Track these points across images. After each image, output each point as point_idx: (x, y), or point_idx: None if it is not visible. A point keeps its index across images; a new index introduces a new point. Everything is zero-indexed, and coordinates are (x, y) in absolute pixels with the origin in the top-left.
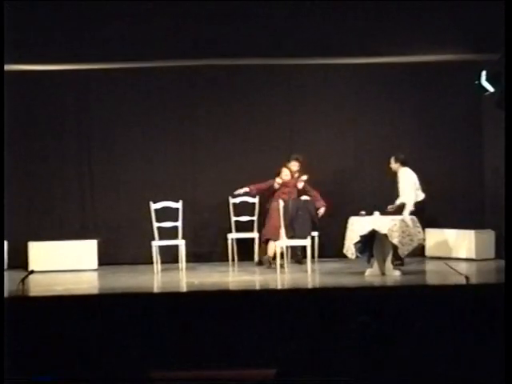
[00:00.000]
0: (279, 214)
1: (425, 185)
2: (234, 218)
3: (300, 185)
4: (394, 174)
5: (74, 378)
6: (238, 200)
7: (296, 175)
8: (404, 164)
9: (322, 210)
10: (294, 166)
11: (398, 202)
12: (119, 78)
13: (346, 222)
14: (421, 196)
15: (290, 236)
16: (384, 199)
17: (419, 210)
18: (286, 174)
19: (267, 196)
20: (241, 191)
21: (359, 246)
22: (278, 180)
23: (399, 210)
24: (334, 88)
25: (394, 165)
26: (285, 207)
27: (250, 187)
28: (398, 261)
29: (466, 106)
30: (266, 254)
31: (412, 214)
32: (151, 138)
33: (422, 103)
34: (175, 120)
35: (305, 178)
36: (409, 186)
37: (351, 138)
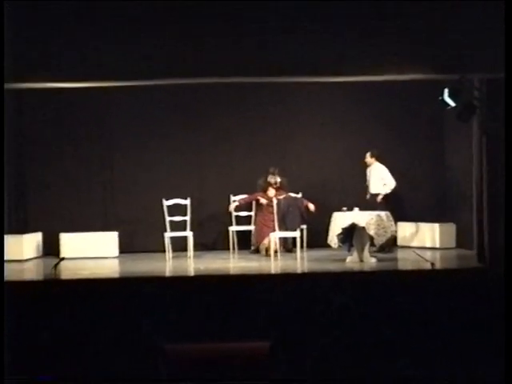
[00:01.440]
0: (267, 226)
1: (397, 184)
2: (234, 213)
3: (311, 207)
4: (365, 168)
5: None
6: (237, 198)
7: (276, 187)
8: (378, 159)
9: (312, 207)
10: (273, 177)
11: (372, 191)
12: (133, 95)
13: (330, 217)
14: (387, 190)
15: (282, 229)
16: (362, 198)
17: (390, 204)
18: (270, 193)
19: (256, 205)
20: (232, 207)
21: (341, 237)
22: (264, 201)
23: (375, 197)
24: (321, 104)
25: (369, 159)
26: (278, 205)
27: (240, 201)
28: (378, 250)
29: (431, 117)
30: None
31: (385, 209)
32: (163, 145)
33: (394, 116)
34: (184, 130)
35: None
36: (388, 176)
37: (337, 146)
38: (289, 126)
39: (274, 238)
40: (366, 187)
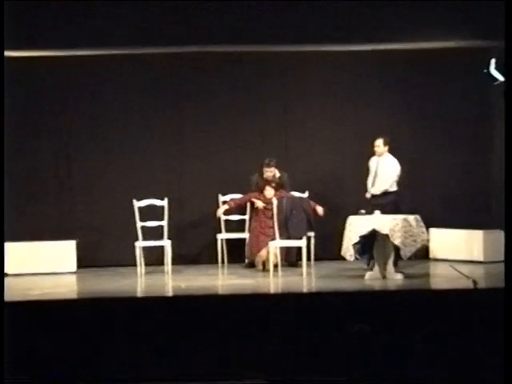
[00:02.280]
0: (264, 234)
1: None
2: (223, 217)
3: (320, 210)
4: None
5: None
6: (228, 197)
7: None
8: (390, 149)
9: (321, 210)
10: (270, 172)
11: (381, 188)
12: (99, 68)
13: (344, 222)
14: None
15: (284, 237)
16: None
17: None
18: (268, 193)
19: (251, 208)
20: (220, 212)
21: (358, 247)
22: (260, 204)
23: (382, 196)
24: (332, 78)
25: (381, 148)
26: (278, 206)
27: (230, 203)
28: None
29: (472, 97)
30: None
31: (396, 211)
32: (134, 132)
33: (423, 95)
34: (160, 113)
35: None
36: (396, 175)
37: (350, 132)
38: (292, 107)
39: (274, 248)
40: (371, 183)
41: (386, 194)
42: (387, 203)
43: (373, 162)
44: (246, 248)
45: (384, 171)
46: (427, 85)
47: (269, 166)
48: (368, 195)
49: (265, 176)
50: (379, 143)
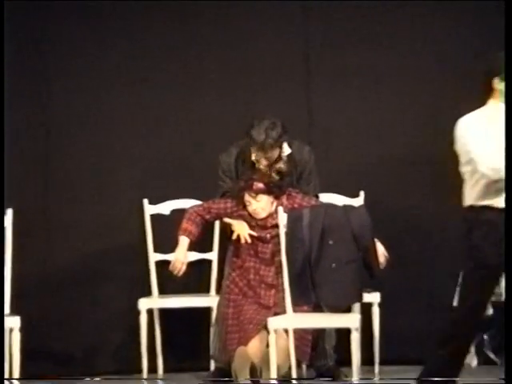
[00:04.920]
0: (251, 301)
1: None
2: (154, 257)
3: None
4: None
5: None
6: (167, 211)
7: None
8: None
9: (382, 252)
10: (264, 152)
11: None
12: None
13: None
14: None
15: (306, 306)
16: None
17: None
18: (259, 205)
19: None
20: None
21: (492, 332)
22: (243, 230)
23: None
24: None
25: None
26: (291, 230)
27: (188, 227)
28: None
29: None
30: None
31: None
32: None
33: None
34: None
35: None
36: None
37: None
38: (316, 67)
39: (281, 335)
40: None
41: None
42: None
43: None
44: (214, 338)
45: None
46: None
47: (267, 139)
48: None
49: (254, 156)
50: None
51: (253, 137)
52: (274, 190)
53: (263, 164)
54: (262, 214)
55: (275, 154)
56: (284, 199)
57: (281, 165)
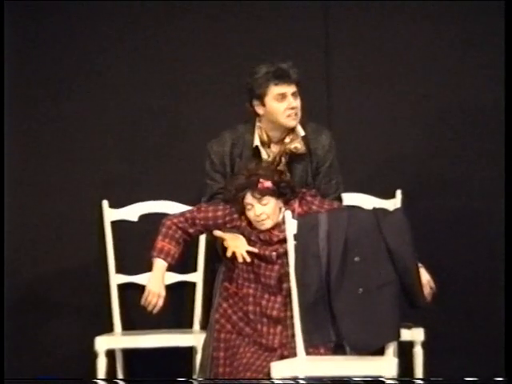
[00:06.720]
0: (248, 342)
1: None
2: (115, 278)
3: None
4: None
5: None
6: (135, 217)
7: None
8: None
9: (428, 281)
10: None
11: None
12: None
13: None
14: None
15: (322, 348)
16: None
17: None
18: (257, 215)
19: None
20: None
21: None
22: (241, 248)
23: None
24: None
25: None
26: (304, 238)
27: (165, 248)
28: None
29: None
30: None
31: None
32: None
33: None
34: None
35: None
36: None
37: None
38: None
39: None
40: None
41: None
42: None
43: None
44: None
45: None
46: None
47: (290, 69)
48: None
49: (279, 96)
50: None
51: (263, 73)
52: (285, 191)
53: (289, 104)
54: (267, 224)
55: (299, 100)
56: (296, 204)
57: (296, 144)
